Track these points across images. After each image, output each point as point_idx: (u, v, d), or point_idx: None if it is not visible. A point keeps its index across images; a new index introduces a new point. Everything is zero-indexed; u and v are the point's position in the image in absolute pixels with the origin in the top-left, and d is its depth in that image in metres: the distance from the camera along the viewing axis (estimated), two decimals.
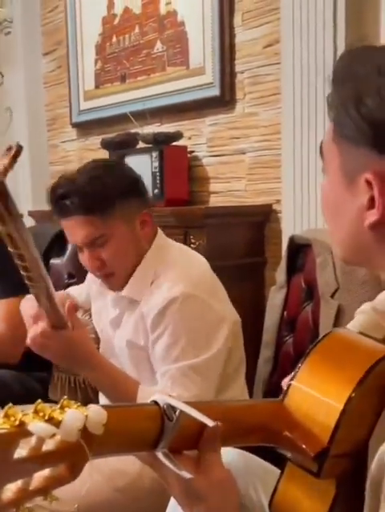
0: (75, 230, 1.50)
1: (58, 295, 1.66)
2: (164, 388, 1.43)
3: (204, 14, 2.55)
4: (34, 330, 1.41)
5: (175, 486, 0.77)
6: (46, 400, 1.60)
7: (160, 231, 1.64)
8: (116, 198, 1.47)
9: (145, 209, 1.56)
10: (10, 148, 1.12)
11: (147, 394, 1.37)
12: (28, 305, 1.47)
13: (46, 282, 1.30)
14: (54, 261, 2.39)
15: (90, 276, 1.72)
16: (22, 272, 1.24)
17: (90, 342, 1.49)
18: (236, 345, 1.62)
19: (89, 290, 1.76)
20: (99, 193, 1.45)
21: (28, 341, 1.42)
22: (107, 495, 1.50)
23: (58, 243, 2.34)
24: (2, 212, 1.10)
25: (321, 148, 0.85)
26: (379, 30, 2.08)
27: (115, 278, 1.56)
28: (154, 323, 1.49)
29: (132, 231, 1.53)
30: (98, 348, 1.73)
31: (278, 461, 0.99)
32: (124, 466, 1.53)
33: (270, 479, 1.02)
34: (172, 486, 0.78)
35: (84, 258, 1.54)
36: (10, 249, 1.18)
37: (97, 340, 1.75)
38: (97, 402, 1.71)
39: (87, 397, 1.76)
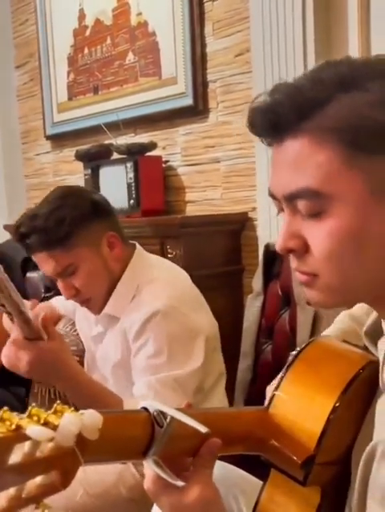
0: (43, 265, 1.54)
1: (39, 307, 1.68)
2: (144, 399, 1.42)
3: (175, 25, 2.55)
4: (8, 342, 1.39)
5: (162, 496, 0.76)
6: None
7: (138, 247, 1.65)
8: (75, 228, 1.49)
9: (110, 230, 1.57)
10: None
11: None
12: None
13: (15, 301, 1.30)
14: (30, 274, 2.38)
15: None
16: None
17: (67, 354, 1.44)
18: (214, 359, 1.62)
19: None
20: (56, 227, 1.47)
21: (2, 356, 1.41)
22: (84, 500, 1.49)
23: None
24: None
25: (306, 192, 0.75)
26: (347, 35, 2.10)
27: (92, 303, 1.58)
28: (136, 334, 1.49)
29: (100, 255, 1.55)
30: (82, 359, 1.72)
31: (257, 470, 0.99)
32: (101, 476, 1.53)
33: (250, 489, 1.03)
34: (158, 495, 0.77)
35: (60, 287, 1.56)
36: None
37: (80, 352, 1.74)
38: None
39: None
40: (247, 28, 2.30)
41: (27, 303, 1.44)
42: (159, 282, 1.55)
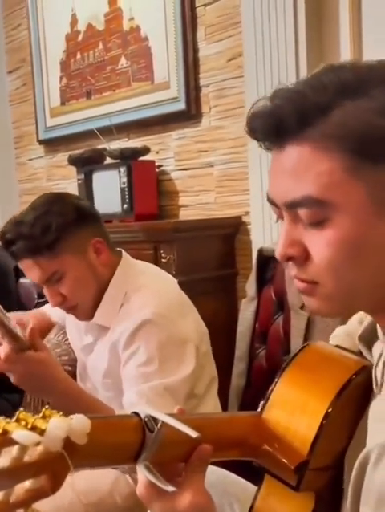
0: (29, 272, 1.53)
1: (30, 314, 1.68)
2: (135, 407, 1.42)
3: (167, 29, 2.56)
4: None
5: (154, 501, 0.76)
6: None
7: (124, 254, 1.64)
8: (61, 234, 1.48)
9: (97, 236, 1.56)
10: None
11: None
12: None
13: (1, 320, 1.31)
14: (23, 280, 2.36)
15: None
16: None
17: (55, 366, 1.44)
18: (205, 364, 1.61)
19: None
20: (42, 234, 1.46)
21: None
22: (79, 508, 1.48)
23: None
24: None
25: (306, 201, 0.74)
26: (339, 38, 2.11)
27: (79, 310, 1.57)
28: (126, 342, 1.49)
29: (86, 261, 1.53)
30: (75, 368, 1.72)
31: (252, 476, 0.99)
32: (95, 485, 1.52)
33: (245, 495, 1.02)
34: (151, 501, 0.77)
35: (46, 294, 1.55)
36: None
37: (72, 361, 1.73)
38: None
39: None
40: (239, 33, 2.31)
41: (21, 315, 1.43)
42: (147, 290, 1.54)
